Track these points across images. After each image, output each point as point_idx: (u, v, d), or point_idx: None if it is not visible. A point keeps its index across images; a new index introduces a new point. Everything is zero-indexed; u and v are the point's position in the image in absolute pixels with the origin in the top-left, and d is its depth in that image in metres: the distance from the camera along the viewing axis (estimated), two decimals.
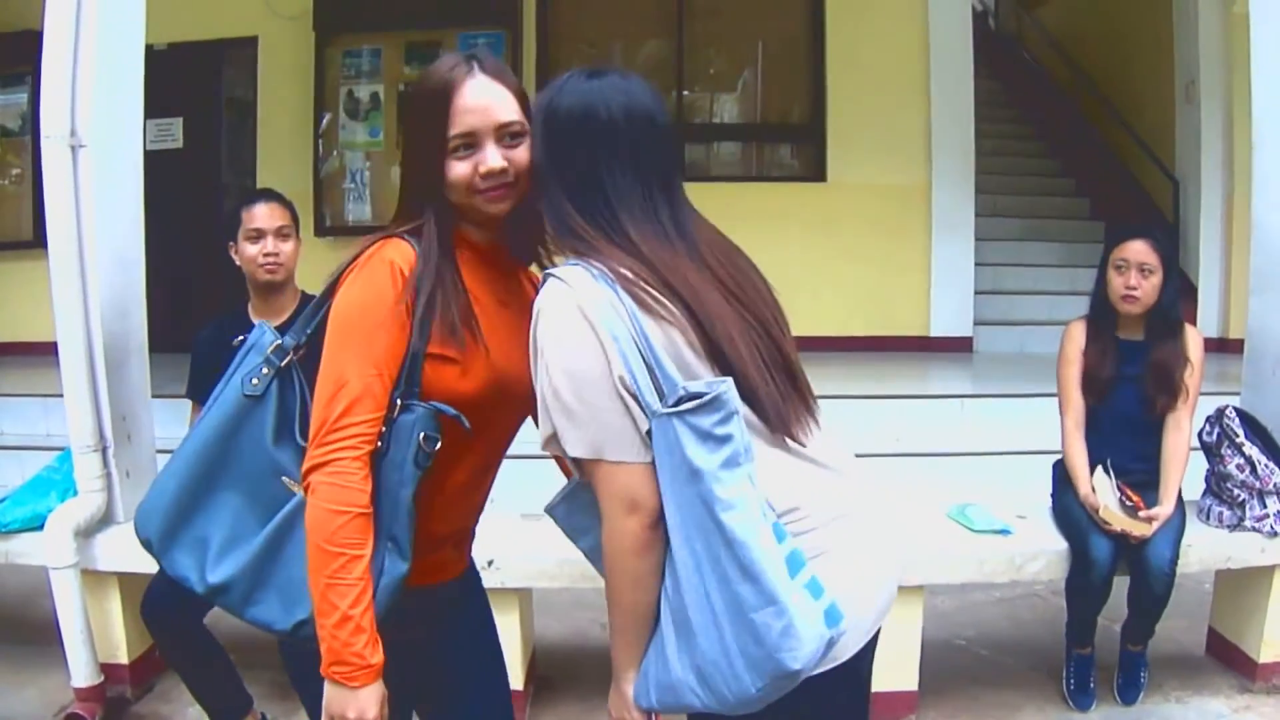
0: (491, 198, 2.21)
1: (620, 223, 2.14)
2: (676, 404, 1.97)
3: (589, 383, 2.02)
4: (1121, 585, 4.35)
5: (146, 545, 2.25)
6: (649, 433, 2.01)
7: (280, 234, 4.10)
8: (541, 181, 2.19)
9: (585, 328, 2.02)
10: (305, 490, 2.07)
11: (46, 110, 4.24)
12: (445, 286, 2.17)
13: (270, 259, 4.08)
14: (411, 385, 2.13)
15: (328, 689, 2.07)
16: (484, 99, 2.19)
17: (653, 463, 2.02)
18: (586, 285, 2.04)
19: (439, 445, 2.15)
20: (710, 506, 1.94)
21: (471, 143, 2.19)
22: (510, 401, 2.30)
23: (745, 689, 1.95)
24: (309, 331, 2.28)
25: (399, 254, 2.16)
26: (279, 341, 2.28)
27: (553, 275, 2.09)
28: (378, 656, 2.06)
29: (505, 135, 2.20)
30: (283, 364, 2.26)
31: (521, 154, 2.22)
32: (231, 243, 4.12)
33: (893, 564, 2.33)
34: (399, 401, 2.12)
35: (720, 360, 2.07)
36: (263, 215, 4.09)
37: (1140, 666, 4.54)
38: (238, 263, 4.13)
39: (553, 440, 2.11)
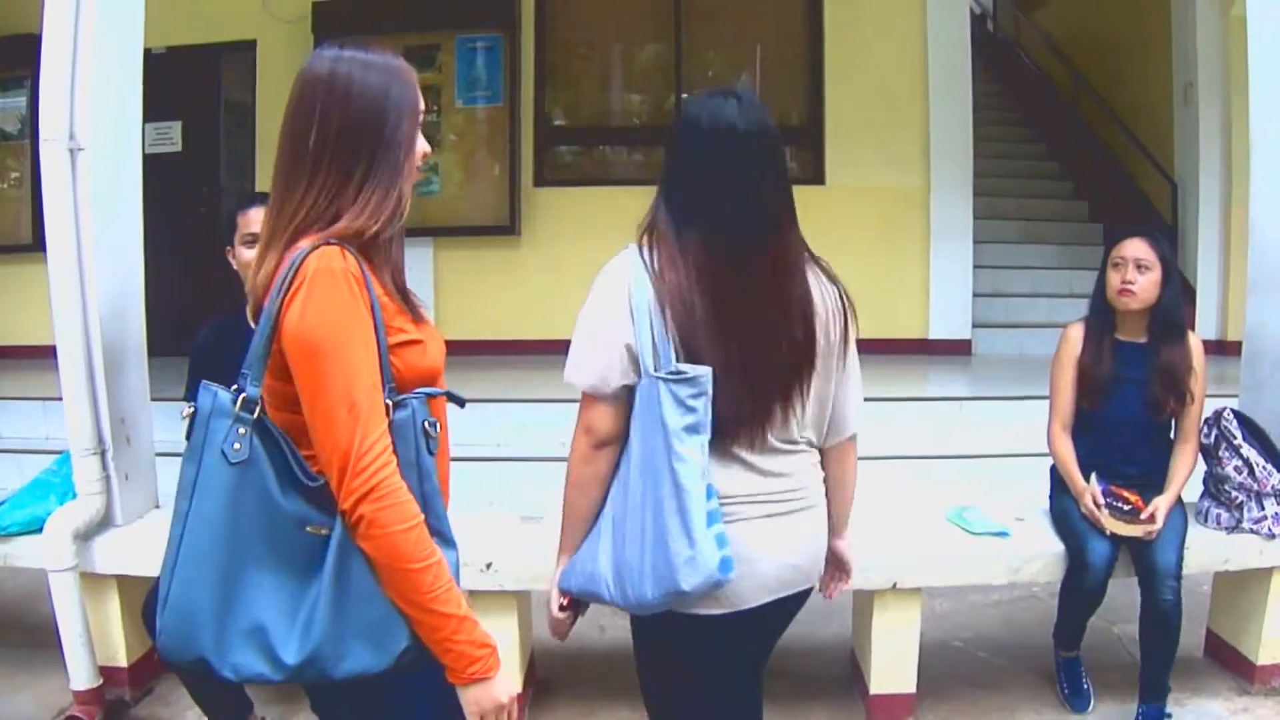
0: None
1: (681, 225, 2.59)
2: (667, 374, 2.48)
3: (604, 336, 2.56)
4: (1116, 588, 4.35)
5: (201, 664, 2.10)
6: (629, 388, 2.55)
7: None
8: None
9: (622, 297, 2.55)
10: (354, 525, 2.03)
11: (45, 114, 4.25)
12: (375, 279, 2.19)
13: None
14: (388, 383, 2.12)
15: (468, 693, 2.12)
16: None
17: (617, 406, 2.58)
18: (635, 267, 2.58)
19: (439, 428, 2.21)
20: (668, 455, 2.48)
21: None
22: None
23: (644, 595, 2.52)
24: (264, 371, 2.14)
25: (345, 262, 2.10)
26: (245, 395, 2.11)
27: (627, 248, 2.64)
28: (492, 638, 2.14)
29: None
30: (255, 416, 2.11)
31: None
32: (229, 246, 4.10)
33: (802, 556, 2.79)
34: (389, 403, 2.11)
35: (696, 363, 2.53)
36: (258, 220, 4.03)
37: None
38: (235, 266, 4.11)
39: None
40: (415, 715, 2.30)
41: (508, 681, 2.15)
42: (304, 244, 2.11)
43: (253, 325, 2.16)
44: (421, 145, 2.33)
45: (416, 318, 2.27)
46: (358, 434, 2.01)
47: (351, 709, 2.27)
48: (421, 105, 2.35)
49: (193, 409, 2.12)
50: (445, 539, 2.17)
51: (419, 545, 2.04)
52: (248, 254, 4.02)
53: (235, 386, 2.11)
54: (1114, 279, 4.40)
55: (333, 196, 2.18)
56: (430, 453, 2.16)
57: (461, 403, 2.32)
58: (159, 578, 2.13)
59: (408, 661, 2.10)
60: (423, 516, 2.07)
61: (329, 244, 2.11)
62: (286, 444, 2.11)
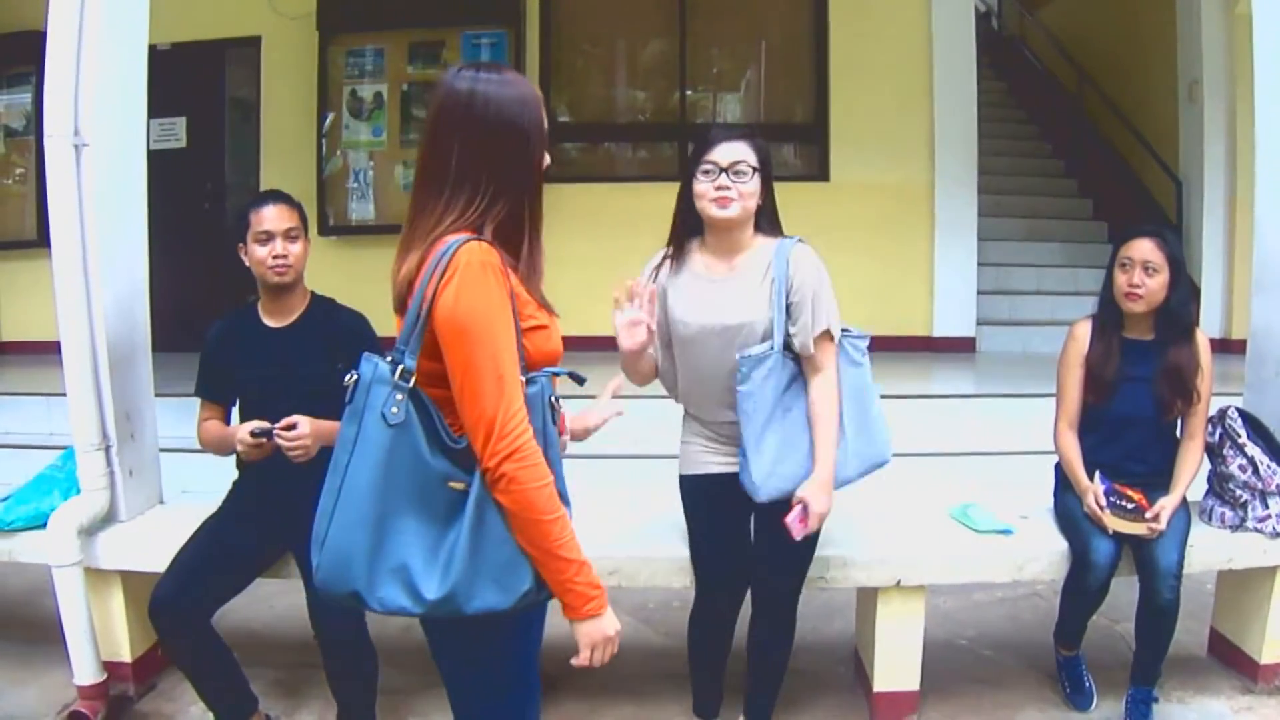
0: None
1: None
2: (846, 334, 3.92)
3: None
4: (1118, 586, 4.35)
5: (354, 598, 2.42)
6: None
7: (289, 236, 4.07)
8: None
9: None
10: (495, 481, 2.31)
11: (50, 110, 4.24)
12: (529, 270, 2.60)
13: (279, 261, 4.04)
14: (520, 362, 2.39)
15: (583, 628, 2.47)
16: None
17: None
18: None
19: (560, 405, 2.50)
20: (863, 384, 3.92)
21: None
22: None
23: (848, 475, 3.83)
24: (419, 348, 2.41)
25: (491, 256, 2.39)
26: (403, 366, 2.41)
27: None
28: (601, 582, 2.46)
29: None
30: (411, 384, 2.41)
31: None
32: (241, 244, 4.09)
33: None
34: (523, 379, 2.39)
35: None
36: (271, 217, 4.04)
37: (1149, 714, 4.37)
38: (247, 264, 4.11)
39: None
40: (520, 654, 2.66)
41: (614, 619, 2.50)
42: (451, 239, 2.39)
43: (396, 317, 2.50)
44: (545, 159, 2.62)
45: (547, 308, 2.59)
46: (503, 404, 2.31)
47: (467, 645, 2.57)
48: (546, 125, 2.61)
49: (355, 376, 2.43)
50: (564, 498, 2.44)
51: (550, 500, 2.34)
52: (260, 251, 4.03)
53: (390, 359, 2.43)
54: (1121, 280, 4.38)
55: (475, 207, 2.46)
56: (554, 423, 2.47)
57: (581, 380, 2.61)
58: (316, 522, 2.43)
59: (528, 602, 2.41)
60: (552, 477, 2.36)
61: (477, 239, 2.40)
62: (435, 411, 2.41)
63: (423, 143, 2.54)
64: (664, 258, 3.97)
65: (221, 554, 4.01)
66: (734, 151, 3.68)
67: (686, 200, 3.84)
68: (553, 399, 2.47)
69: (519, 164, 2.55)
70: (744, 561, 4.00)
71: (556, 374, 2.51)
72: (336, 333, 4.12)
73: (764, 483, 3.71)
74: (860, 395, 3.89)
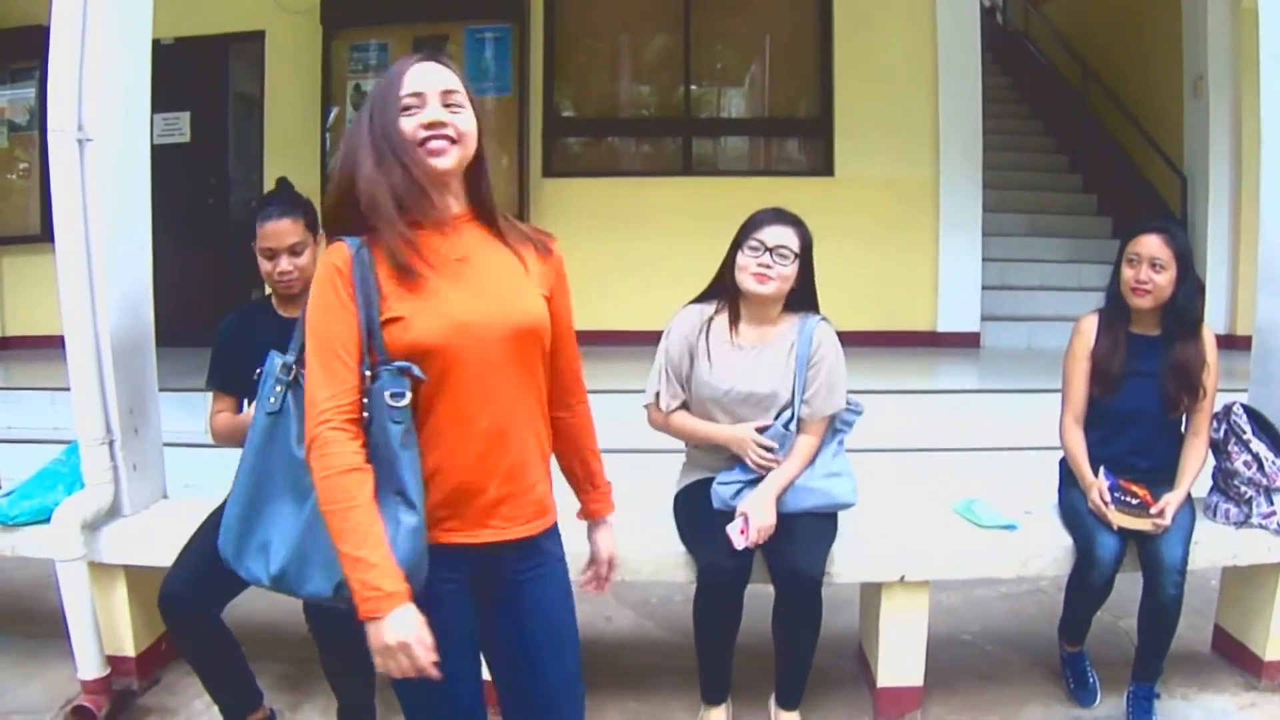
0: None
1: None
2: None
3: None
4: (1122, 581, 4.35)
5: (226, 561, 2.66)
6: None
7: (293, 251, 4.04)
8: None
9: None
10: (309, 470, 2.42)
11: (53, 104, 4.24)
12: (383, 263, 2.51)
13: (285, 276, 4.05)
14: (376, 354, 2.45)
15: (367, 632, 2.33)
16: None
17: None
18: None
19: (407, 399, 2.43)
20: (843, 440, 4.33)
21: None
22: (489, 350, 2.55)
23: (811, 504, 4.15)
24: (301, 343, 2.60)
25: (333, 256, 2.51)
26: (284, 360, 2.68)
27: None
28: (394, 585, 2.31)
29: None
30: (290, 378, 2.65)
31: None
32: (253, 241, 4.10)
33: None
34: (367, 373, 2.44)
35: None
36: (274, 234, 4.02)
37: (1151, 711, 4.37)
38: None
39: None
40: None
41: (397, 629, 2.31)
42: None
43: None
44: (415, 120, 2.55)
45: (417, 298, 2.51)
46: (314, 395, 2.42)
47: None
48: (401, 88, 2.56)
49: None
50: (406, 502, 2.42)
51: (332, 491, 2.35)
52: (266, 265, 4.08)
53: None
54: (1128, 276, 4.37)
55: (350, 199, 2.54)
56: (396, 421, 2.41)
57: (419, 379, 2.46)
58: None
59: (344, 596, 2.38)
60: (347, 467, 2.36)
61: (336, 240, 2.53)
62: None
63: None
64: (707, 318, 4.33)
65: None
66: (780, 236, 4.14)
67: (729, 266, 4.23)
68: (390, 394, 2.42)
69: (367, 146, 2.54)
70: (747, 554, 4.07)
71: (403, 369, 2.44)
72: None
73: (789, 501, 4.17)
74: (839, 448, 4.36)
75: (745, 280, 4.15)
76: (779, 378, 4.22)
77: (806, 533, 4.12)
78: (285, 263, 4.03)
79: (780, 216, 4.22)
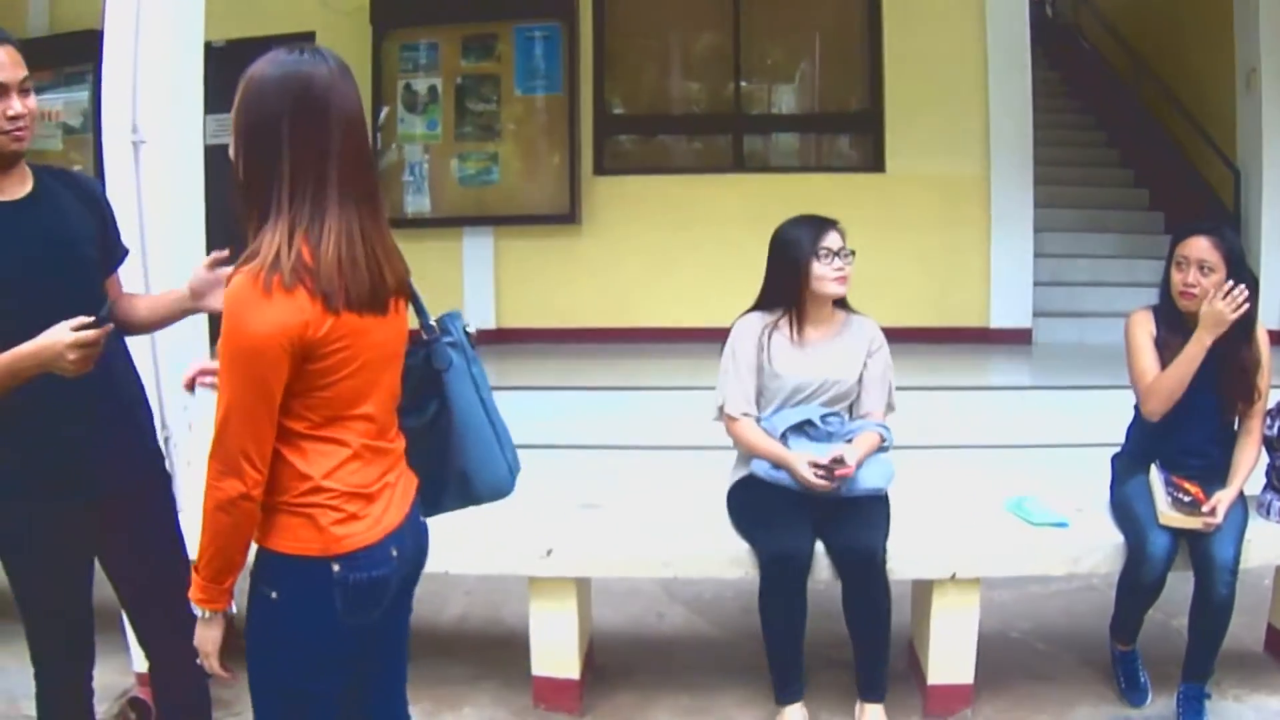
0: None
1: None
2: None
3: None
4: (1175, 580, 4.32)
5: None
6: None
7: (23, 89, 3.06)
8: None
9: None
10: None
11: (108, 107, 4.31)
12: None
13: (16, 122, 3.06)
14: None
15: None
16: None
17: None
18: None
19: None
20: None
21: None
22: None
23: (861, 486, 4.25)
24: None
25: None
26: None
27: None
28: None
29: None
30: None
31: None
32: None
33: None
34: None
35: None
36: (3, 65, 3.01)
37: (1202, 711, 4.34)
38: None
39: None
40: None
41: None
42: None
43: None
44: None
45: None
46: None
47: None
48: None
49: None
50: None
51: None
52: None
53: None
54: (1176, 279, 4.33)
55: None
56: None
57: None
58: None
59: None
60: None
61: None
62: None
63: None
64: (765, 326, 4.51)
65: None
66: (839, 238, 4.43)
67: (789, 274, 4.44)
68: None
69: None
70: (808, 538, 4.21)
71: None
72: (86, 193, 3.32)
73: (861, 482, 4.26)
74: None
75: (829, 287, 4.41)
76: (851, 368, 4.48)
77: (864, 512, 4.25)
78: (18, 104, 3.04)
79: (830, 221, 4.48)
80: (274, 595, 2.43)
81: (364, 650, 2.58)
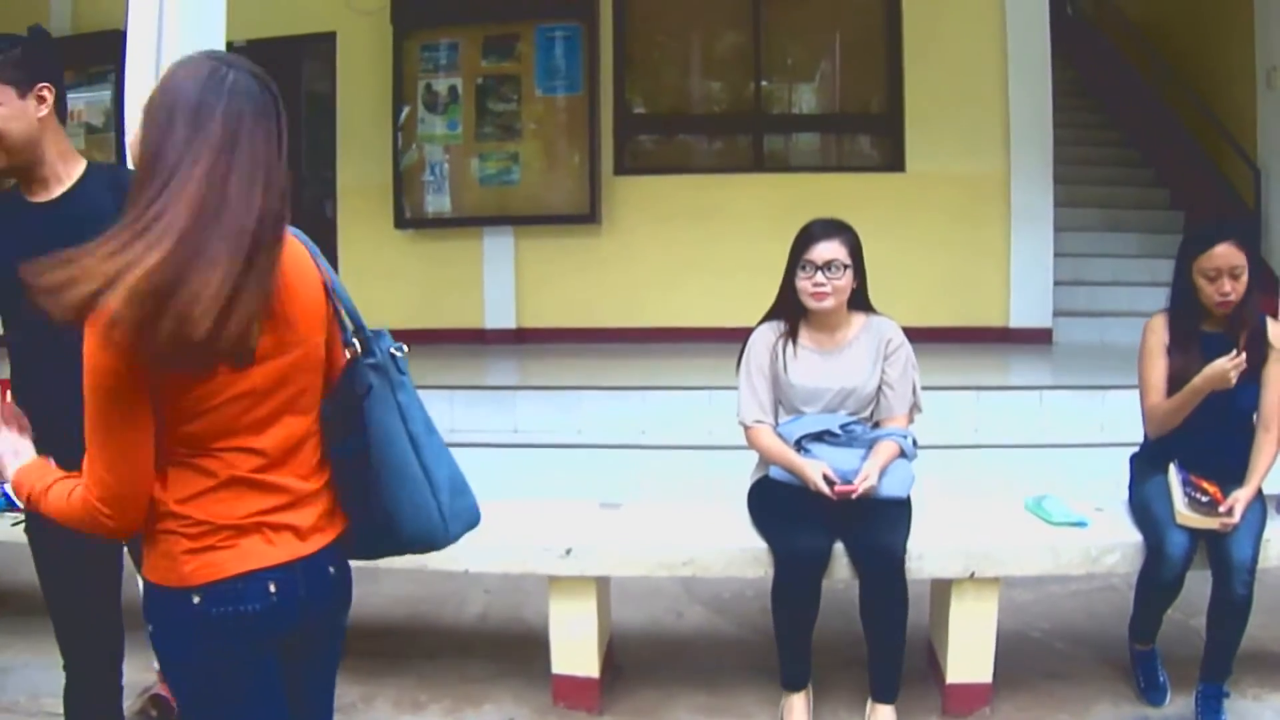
0: None
1: None
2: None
3: None
4: (1194, 580, 4.32)
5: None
6: None
7: None
8: None
9: None
10: None
11: (131, 107, 4.33)
12: None
13: None
14: None
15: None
16: None
17: None
18: None
19: None
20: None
21: None
22: None
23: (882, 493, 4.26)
24: None
25: None
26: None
27: None
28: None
29: None
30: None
31: None
32: None
33: None
34: None
35: None
36: None
37: (1221, 711, 4.34)
38: None
39: None
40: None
41: None
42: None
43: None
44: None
45: None
46: None
47: None
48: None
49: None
50: None
51: None
52: None
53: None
54: (1210, 291, 4.29)
55: None
56: None
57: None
58: None
59: None
60: None
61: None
62: None
63: None
64: (779, 336, 4.53)
65: None
66: (828, 251, 4.34)
67: (789, 286, 4.47)
68: None
69: None
70: (825, 538, 4.23)
71: None
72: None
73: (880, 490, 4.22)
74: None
75: (807, 301, 4.40)
76: (865, 374, 4.45)
77: (885, 513, 4.24)
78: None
79: (825, 230, 4.41)
80: (150, 629, 2.30)
81: (266, 691, 2.37)
